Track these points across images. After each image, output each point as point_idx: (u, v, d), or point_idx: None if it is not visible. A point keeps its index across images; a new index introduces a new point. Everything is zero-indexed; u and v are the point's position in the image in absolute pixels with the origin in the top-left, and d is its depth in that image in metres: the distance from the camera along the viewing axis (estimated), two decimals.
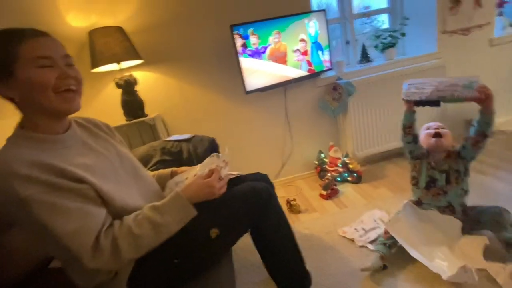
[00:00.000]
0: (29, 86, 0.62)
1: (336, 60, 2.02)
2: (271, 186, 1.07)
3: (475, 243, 1.09)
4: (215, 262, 0.82)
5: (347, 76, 1.98)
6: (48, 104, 0.64)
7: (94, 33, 1.43)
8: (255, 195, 0.83)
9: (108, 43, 1.41)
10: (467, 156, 1.16)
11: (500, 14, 2.25)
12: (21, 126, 0.67)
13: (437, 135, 1.21)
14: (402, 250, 1.10)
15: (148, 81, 1.71)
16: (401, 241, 1.09)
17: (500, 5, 2.22)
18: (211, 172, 0.80)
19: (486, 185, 1.55)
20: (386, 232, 1.17)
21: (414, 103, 1.22)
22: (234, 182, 0.93)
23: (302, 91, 2.01)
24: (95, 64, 1.44)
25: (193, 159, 1.24)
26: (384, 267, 1.12)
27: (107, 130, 0.88)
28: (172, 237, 0.72)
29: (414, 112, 1.27)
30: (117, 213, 0.70)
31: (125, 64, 1.55)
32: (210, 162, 0.87)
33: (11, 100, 0.64)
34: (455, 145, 1.21)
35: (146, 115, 1.59)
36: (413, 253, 1.06)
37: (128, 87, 1.52)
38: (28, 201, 0.57)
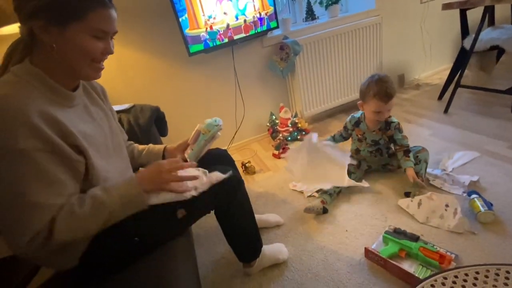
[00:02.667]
0: (73, 47, 0.61)
1: (282, 17, 1.97)
2: (232, 164, 1.09)
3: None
4: (175, 239, 0.83)
5: (293, 34, 1.97)
6: (79, 68, 0.65)
7: None
8: (224, 182, 0.83)
9: None
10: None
11: None
12: (33, 62, 0.62)
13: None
14: (342, 197, 1.26)
15: None
16: (289, 167, 1.27)
17: None
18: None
19: (411, 131, 1.78)
20: None
21: None
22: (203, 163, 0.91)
23: (249, 52, 1.95)
24: None
25: (136, 131, 1.16)
26: (324, 210, 1.27)
27: (102, 95, 0.84)
28: (136, 216, 0.68)
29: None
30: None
31: None
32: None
33: (44, 44, 0.60)
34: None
35: None
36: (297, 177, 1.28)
37: None
38: (22, 153, 0.54)
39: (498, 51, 2.02)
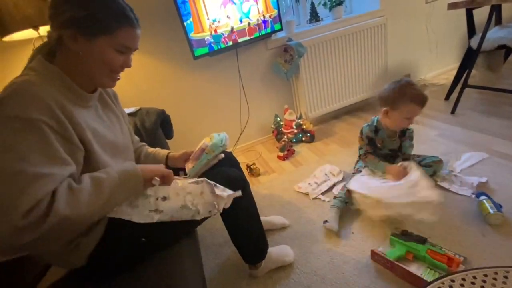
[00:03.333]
0: (97, 57, 0.66)
1: (287, 20, 1.98)
2: (237, 166, 1.09)
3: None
4: (182, 238, 0.84)
5: (297, 36, 1.97)
6: (97, 76, 0.70)
7: None
8: (230, 182, 0.84)
9: (18, 3, 1.17)
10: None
11: None
12: (53, 62, 0.66)
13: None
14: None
15: None
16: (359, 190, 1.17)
17: None
18: None
19: (418, 132, 1.74)
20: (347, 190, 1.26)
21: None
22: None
23: (254, 54, 1.96)
24: (4, 31, 1.20)
25: (142, 134, 1.18)
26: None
27: (114, 99, 0.88)
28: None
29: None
30: None
31: (45, 29, 1.32)
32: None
33: (70, 50, 0.65)
34: None
35: None
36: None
37: None
38: (33, 123, 0.55)
39: (506, 50, 1.99)
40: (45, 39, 0.71)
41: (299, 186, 1.53)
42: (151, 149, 1.02)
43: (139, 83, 1.72)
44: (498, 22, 2.00)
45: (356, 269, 1.02)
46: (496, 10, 1.87)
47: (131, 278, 0.70)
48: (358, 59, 2.11)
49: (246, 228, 0.96)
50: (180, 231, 0.81)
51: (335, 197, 1.31)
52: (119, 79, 0.75)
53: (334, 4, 2.07)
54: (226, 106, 2.01)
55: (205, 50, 1.67)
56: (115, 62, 0.69)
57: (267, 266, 1.05)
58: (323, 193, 1.43)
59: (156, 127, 1.21)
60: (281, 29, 1.87)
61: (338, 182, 1.48)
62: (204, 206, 0.73)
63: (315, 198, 1.42)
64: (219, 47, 1.70)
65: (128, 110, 1.28)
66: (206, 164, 0.93)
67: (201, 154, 0.93)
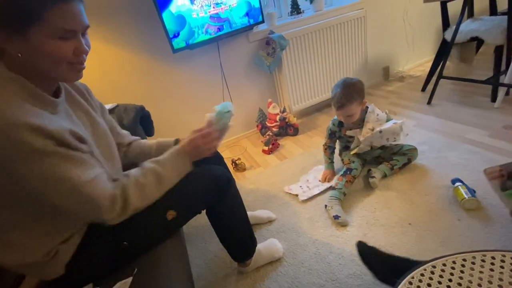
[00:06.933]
0: (40, 54, 0.56)
1: (268, 12, 1.95)
2: (222, 162, 1.08)
3: None
4: (167, 239, 0.81)
5: (279, 29, 1.95)
6: (54, 74, 0.60)
7: None
8: (214, 181, 0.83)
9: None
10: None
11: None
12: (9, 67, 0.57)
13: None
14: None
15: None
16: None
17: None
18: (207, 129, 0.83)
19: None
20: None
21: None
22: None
23: (235, 48, 1.92)
24: None
25: None
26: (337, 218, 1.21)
27: (87, 95, 0.80)
28: (125, 221, 0.66)
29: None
30: None
31: None
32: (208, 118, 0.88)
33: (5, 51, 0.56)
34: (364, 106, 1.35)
35: None
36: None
37: None
38: (42, 152, 0.53)
39: (477, 42, 2.09)
40: None
41: (289, 187, 1.48)
42: (149, 142, 0.96)
43: (115, 78, 1.64)
44: (471, 14, 2.09)
45: (341, 258, 1.04)
46: (468, 4, 1.94)
47: (114, 280, 0.68)
48: (339, 51, 2.13)
49: (233, 227, 0.94)
50: (164, 233, 0.79)
51: (334, 188, 1.31)
52: (83, 68, 0.64)
53: None
54: (209, 101, 1.97)
55: (183, 41, 1.61)
56: (63, 53, 0.57)
57: (257, 263, 1.05)
58: (313, 196, 1.38)
59: (135, 125, 1.16)
60: (262, 22, 1.84)
61: (332, 188, 1.37)
62: None
63: (306, 200, 1.37)
64: (199, 39, 1.65)
65: None
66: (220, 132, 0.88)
67: (209, 128, 0.87)
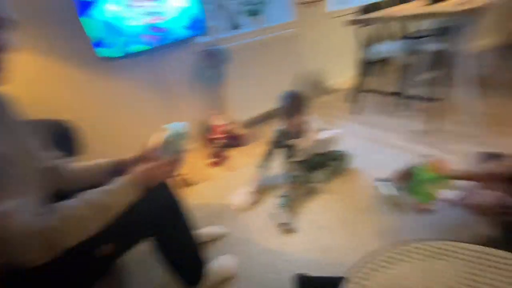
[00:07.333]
0: None
1: (210, 24, 1.96)
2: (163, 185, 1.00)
3: None
4: (98, 279, 0.73)
5: (221, 42, 1.98)
6: None
7: None
8: (161, 213, 0.79)
9: None
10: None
11: None
12: None
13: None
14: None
15: None
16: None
17: None
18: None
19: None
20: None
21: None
22: None
23: (178, 59, 1.87)
24: None
25: None
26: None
27: (9, 108, 0.68)
28: (51, 262, 0.56)
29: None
30: None
31: None
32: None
33: None
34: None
35: None
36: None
37: None
38: None
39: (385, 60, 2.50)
40: None
41: (233, 204, 1.46)
42: (86, 164, 0.85)
43: (33, 88, 1.41)
44: (382, 38, 2.49)
45: (295, 267, 1.08)
46: (379, 29, 2.31)
47: None
48: (277, 66, 2.29)
49: (181, 251, 0.90)
50: (97, 271, 0.71)
51: (281, 196, 1.37)
52: (3, 73, 0.60)
53: (252, 13, 2.18)
54: (151, 114, 1.85)
55: (117, 50, 1.49)
56: None
57: (210, 283, 1.01)
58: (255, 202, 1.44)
59: (47, 144, 0.97)
60: (205, 34, 1.84)
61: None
62: None
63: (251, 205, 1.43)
64: (137, 49, 1.55)
65: None
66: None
67: (159, 151, 0.81)
